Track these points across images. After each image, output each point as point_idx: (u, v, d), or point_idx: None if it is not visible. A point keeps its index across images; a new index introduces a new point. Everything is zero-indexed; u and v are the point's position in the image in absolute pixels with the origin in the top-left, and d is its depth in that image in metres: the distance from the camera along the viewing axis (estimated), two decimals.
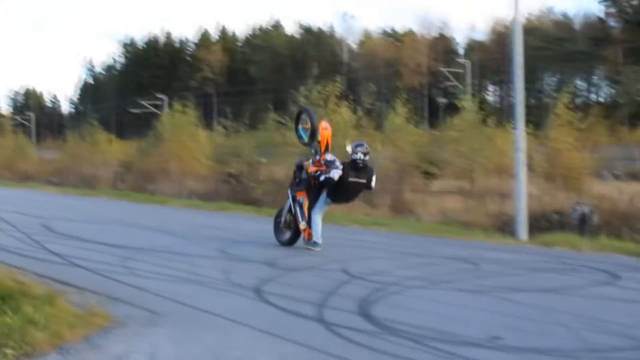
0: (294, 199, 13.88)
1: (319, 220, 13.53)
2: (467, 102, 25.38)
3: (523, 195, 16.12)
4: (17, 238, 15.22)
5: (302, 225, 13.63)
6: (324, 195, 13.50)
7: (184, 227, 17.84)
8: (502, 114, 67.18)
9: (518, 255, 13.22)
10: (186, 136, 32.75)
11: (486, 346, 7.09)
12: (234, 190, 26.46)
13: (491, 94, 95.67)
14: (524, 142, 16.47)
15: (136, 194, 30.11)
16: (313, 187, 13.61)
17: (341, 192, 13.39)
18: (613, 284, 10.27)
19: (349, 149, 13.34)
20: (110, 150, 44.23)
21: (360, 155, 13.16)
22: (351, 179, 13.13)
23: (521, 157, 16.12)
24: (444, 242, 15.08)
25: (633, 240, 15.23)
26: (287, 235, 14.16)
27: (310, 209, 13.55)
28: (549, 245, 14.52)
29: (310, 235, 13.48)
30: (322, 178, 13.22)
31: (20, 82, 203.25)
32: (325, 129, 13.95)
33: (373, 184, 13.57)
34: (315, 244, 13.39)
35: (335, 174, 12.99)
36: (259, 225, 18.50)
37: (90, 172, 38.25)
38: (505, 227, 17.53)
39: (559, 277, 10.91)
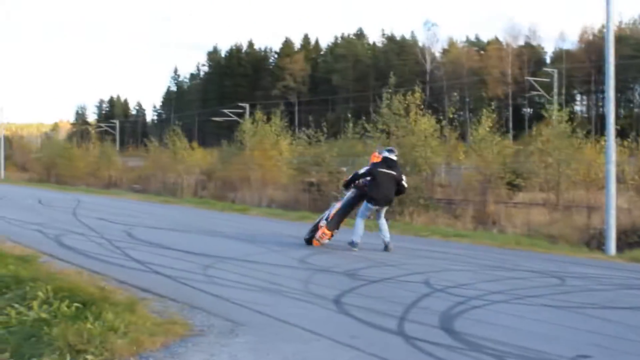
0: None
1: (361, 224, 15.40)
2: (554, 112, 24.95)
3: (613, 208, 15.71)
4: (100, 244, 15.52)
5: (322, 223, 15.60)
6: (364, 202, 15.40)
7: (264, 236, 17.93)
8: (590, 124, 66.24)
9: (606, 271, 12.85)
10: (268, 145, 33.02)
11: None
12: (314, 200, 26.45)
13: (579, 104, 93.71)
14: (614, 154, 16.06)
15: (217, 202, 30.36)
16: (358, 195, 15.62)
17: (375, 187, 15.03)
18: None
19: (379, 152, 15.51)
20: (192, 158, 44.53)
21: (392, 155, 15.19)
22: (381, 169, 14.96)
23: (612, 170, 15.72)
24: (528, 256, 14.80)
25: None
26: None
27: (341, 214, 15.77)
28: (639, 261, 14.12)
29: (323, 234, 15.53)
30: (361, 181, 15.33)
31: (109, 92, 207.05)
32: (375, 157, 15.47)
33: (404, 182, 15.48)
34: (352, 243, 15.12)
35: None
36: (339, 235, 18.47)
37: (173, 179, 38.74)
38: (592, 241, 17.18)
39: None
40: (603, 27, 15.36)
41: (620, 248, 15.88)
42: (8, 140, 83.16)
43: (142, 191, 39.67)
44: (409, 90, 25.62)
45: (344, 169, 26.76)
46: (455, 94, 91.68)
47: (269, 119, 34.60)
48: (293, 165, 30.05)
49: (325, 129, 27.41)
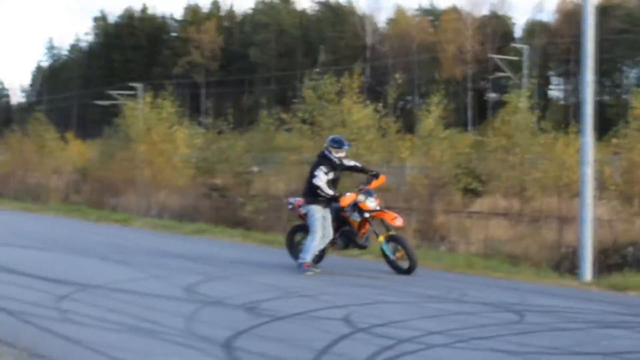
0: None
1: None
2: (520, 98, 24.62)
3: (589, 222, 15.38)
4: None
5: None
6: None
7: (146, 257, 17.33)
8: (568, 113, 66.71)
9: (578, 303, 12.55)
10: (158, 137, 31.59)
11: None
12: (217, 208, 25.83)
13: (555, 89, 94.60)
14: (592, 153, 15.72)
15: (92, 210, 29.53)
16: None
17: None
18: None
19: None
20: (66, 153, 43.22)
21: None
22: None
23: (588, 173, 15.41)
24: (481, 282, 14.43)
25: None
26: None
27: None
28: (621, 289, 13.81)
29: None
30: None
31: None
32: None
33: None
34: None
35: None
36: (244, 254, 17.96)
37: (37, 180, 37.62)
38: (564, 262, 16.91)
39: (633, 335, 10.16)
40: None
41: (598, 272, 15.61)
42: None
43: None
44: (345, 70, 25.17)
45: (255, 168, 26.22)
46: (402, 74, 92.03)
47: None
48: (191, 163, 29.26)
49: (231, 117, 26.62)
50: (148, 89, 38.78)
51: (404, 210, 22.91)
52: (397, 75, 32.56)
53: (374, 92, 55.23)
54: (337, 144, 14.94)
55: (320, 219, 14.64)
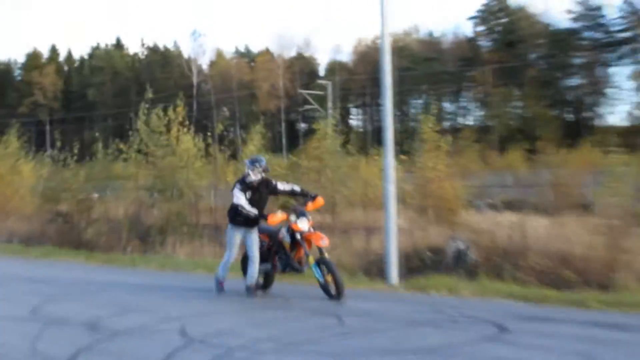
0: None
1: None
2: (328, 126, 24.44)
3: (393, 232, 15.22)
4: None
5: None
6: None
7: None
8: (366, 139, 67.48)
9: (389, 304, 12.21)
10: (3, 169, 30.85)
11: None
12: (62, 232, 24.66)
13: (354, 118, 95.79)
14: (393, 173, 15.58)
15: None
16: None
17: None
18: (501, 339, 9.36)
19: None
20: None
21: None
22: None
23: (391, 190, 15.23)
24: (303, 290, 13.71)
25: (515, 280, 14.48)
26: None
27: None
28: (424, 290, 13.61)
29: None
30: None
31: None
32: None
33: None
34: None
35: None
36: (87, 274, 17.00)
37: None
38: (373, 268, 16.56)
39: (438, 332, 9.85)
40: (377, 37, 14.92)
41: (403, 275, 15.36)
42: None
43: None
44: (171, 105, 24.46)
45: (95, 195, 25.16)
46: (225, 108, 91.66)
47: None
48: (37, 192, 27.89)
49: (76, 150, 25.70)
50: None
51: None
52: (225, 109, 32.14)
53: (201, 125, 54.43)
54: (253, 162, 12.86)
55: (237, 241, 12.91)
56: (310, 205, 12.81)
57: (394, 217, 15.19)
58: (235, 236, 12.88)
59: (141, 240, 22.51)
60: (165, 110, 23.85)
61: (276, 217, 12.51)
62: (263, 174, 12.88)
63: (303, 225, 12.31)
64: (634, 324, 10.25)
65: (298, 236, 12.36)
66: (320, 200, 13.07)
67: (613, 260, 14.91)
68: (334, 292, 12.15)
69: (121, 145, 25.20)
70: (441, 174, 23.81)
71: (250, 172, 12.80)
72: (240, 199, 12.49)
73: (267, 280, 13.31)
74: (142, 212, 23.87)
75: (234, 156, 28.60)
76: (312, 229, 12.61)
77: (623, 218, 16.23)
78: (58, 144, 27.60)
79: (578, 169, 35.89)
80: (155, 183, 23.75)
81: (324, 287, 12.47)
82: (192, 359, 8.47)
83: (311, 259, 12.35)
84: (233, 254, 13.02)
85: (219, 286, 13.34)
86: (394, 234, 15.18)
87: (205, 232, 22.32)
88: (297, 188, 13.33)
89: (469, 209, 25.28)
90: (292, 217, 12.45)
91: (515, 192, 33.70)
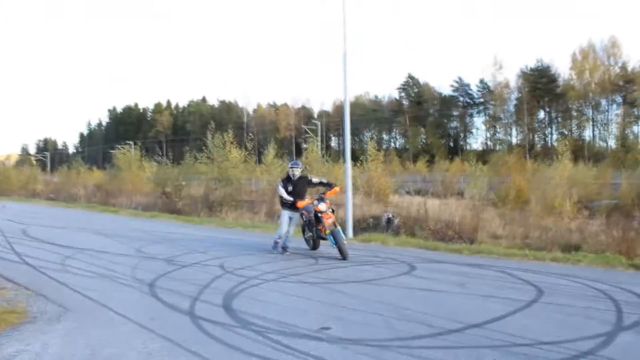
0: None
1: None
2: (314, 147, 23.96)
3: (350, 205, 14.47)
4: None
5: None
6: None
7: (122, 231, 15.25)
8: (339, 154, 66.65)
9: (348, 251, 11.42)
10: (135, 167, 30.30)
11: (317, 337, 5.24)
12: (164, 203, 23.80)
13: (334, 142, 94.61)
14: (350, 171, 14.87)
15: (101, 206, 26.96)
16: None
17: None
18: (411, 273, 8.59)
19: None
20: (91, 176, 40.68)
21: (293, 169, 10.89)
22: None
23: (349, 181, 14.49)
24: (293, 241, 12.94)
25: (422, 237, 13.77)
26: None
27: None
28: (367, 241, 12.85)
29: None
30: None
31: (44, 133, 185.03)
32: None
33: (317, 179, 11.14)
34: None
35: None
36: (175, 229, 16.21)
37: (75, 191, 34.44)
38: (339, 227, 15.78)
39: (374, 269, 9.05)
40: (343, 98, 14.22)
41: (356, 232, 14.58)
42: None
43: (54, 199, 35.09)
44: (227, 133, 23.68)
45: (183, 182, 24.31)
46: (251, 134, 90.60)
47: (145, 152, 31.80)
48: (151, 180, 27.05)
49: (171, 158, 25.25)
50: (136, 144, 36.92)
51: (261, 202, 21.45)
52: (251, 134, 31.31)
53: (241, 145, 53.10)
54: (294, 164, 10.96)
55: (286, 219, 10.74)
56: (328, 193, 10.69)
57: (351, 198, 14.41)
58: (284, 215, 10.82)
59: (208, 209, 21.70)
60: (222, 135, 23.16)
61: (303, 202, 10.57)
62: (300, 172, 10.91)
63: (322, 207, 10.33)
64: (488, 264, 9.46)
65: (319, 215, 10.34)
66: (336, 189, 10.85)
67: (476, 225, 14.31)
68: (340, 256, 9.94)
69: (198, 155, 24.71)
70: (379, 174, 23.42)
71: (289, 170, 10.94)
72: (281, 191, 10.74)
73: (314, 244, 11.15)
74: (209, 192, 23.03)
75: (260, 161, 28.02)
76: (329, 210, 10.40)
77: (480, 200, 15.79)
78: (170, 154, 26.64)
79: (455, 173, 35.43)
80: (217, 176, 22.91)
81: (339, 250, 10.03)
82: (225, 285, 7.64)
83: (327, 231, 10.13)
84: (283, 227, 10.73)
85: (274, 245, 10.92)
86: (351, 208, 14.40)
87: (245, 205, 21.55)
88: (324, 180, 11.22)
89: (395, 194, 24.69)
90: (315, 202, 10.45)
91: (421, 185, 32.84)
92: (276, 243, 10.89)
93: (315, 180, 11.06)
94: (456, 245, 12.10)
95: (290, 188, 10.75)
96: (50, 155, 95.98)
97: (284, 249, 10.72)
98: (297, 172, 10.84)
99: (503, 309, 6.15)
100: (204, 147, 24.84)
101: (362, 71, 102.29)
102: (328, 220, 10.18)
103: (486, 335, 5.20)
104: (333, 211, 10.62)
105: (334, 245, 10.07)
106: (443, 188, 29.37)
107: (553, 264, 9.56)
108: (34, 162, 67.04)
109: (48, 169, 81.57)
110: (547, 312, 6.08)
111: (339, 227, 10.20)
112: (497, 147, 70.41)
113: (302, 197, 10.72)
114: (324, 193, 10.69)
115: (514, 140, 72.36)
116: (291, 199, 10.61)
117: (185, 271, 8.78)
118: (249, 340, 5.16)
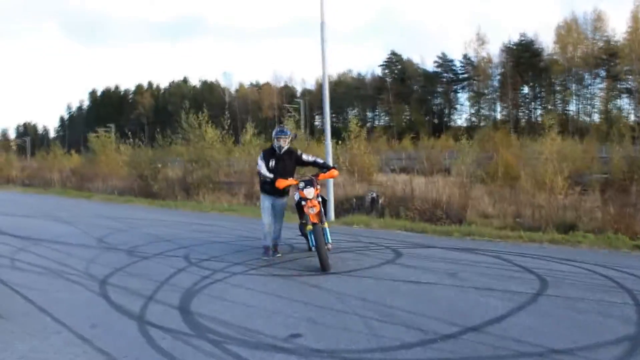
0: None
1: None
2: (293, 124, 22.97)
3: (332, 186, 13.54)
4: None
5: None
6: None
7: (88, 218, 14.11)
8: (321, 132, 65.65)
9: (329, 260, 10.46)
10: (110, 150, 29.22)
11: (284, 348, 4.30)
12: (140, 187, 22.65)
13: (317, 121, 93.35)
14: (331, 150, 13.92)
15: (74, 191, 25.77)
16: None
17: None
18: (396, 262, 7.66)
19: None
20: (69, 161, 39.19)
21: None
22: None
23: (330, 159, 13.51)
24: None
25: (406, 217, 12.88)
26: None
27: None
28: (350, 224, 11.95)
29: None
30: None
31: (24, 117, 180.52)
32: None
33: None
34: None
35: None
36: (146, 214, 15.17)
37: (49, 176, 33.07)
38: None
39: (355, 257, 8.08)
40: (325, 75, 13.18)
41: (338, 214, 13.66)
42: None
43: (28, 185, 33.72)
44: (202, 113, 22.49)
45: (159, 165, 23.06)
46: (243, 115, 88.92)
47: (122, 136, 30.30)
48: (127, 163, 25.76)
49: (152, 140, 24.14)
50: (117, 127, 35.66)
51: (239, 183, 20.45)
52: (244, 116, 29.96)
53: (222, 124, 51.85)
54: (279, 132, 7.82)
55: (266, 207, 8.00)
56: (322, 175, 7.83)
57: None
58: (263, 201, 8.07)
59: (185, 192, 20.63)
60: (197, 115, 22.04)
61: (284, 182, 7.63)
62: (288, 144, 7.89)
63: (308, 192, 7.38)
64: (481, 248, 8.59)
65: (303, 202, 7.49)
66: (334, 172, 7.97)
67: (465, 204, 13.43)
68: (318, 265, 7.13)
69: (173, 136, 23.71)
70: (362, 151, 22.57)
71: (275, 139, 7.87)
72: (260, 165, 7.82)
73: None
74: (186, 175, 21.91)
75: (237, 141, 26.90)
76: (317, 199, 7.50)
77: (468, 177, 15.08)
78: (155, 136, 24.93)
79: (441, 149, 34.64)
80: (193, 157, 21.76)
81: (318, 255, 7.18)
82: (186, 280, 6.70)
83: (309, 227, 7.33)
84: (264, 219, 8.03)
85: (264, 250, 8.14)
86: (332, 187, 13.46)
87: (224, 187, 20.52)
88: (319, 160, 8.06)
89: (379, 172, 23.86)
90: (301, 184, 7.55)
91: (406, 162, 31.95)
92: (265, 248, 8.12)
93: (308, 158, 8.01)
94: (445, 227, 11.23)
95: (272, 164, 7.84)
96: (30, 140, 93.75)
97: (267, 249, 8.09)
98: (284, 144, 7.84)
99: (504, 306, 5.26)
100: (179, 128, 23.66)
101: (345, 48, 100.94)
102: (310, 210, 7.32)
103: (487, 342, 4.30)
104: (324, 201, 7.97)
105: (313, 247, 7.44)
106: (428, 165, 28.52)
107: (551, 246, 8.72)
108: (13, 147, 65.51)
109: (28, 154, 79.61)
110: (555, 308, 5.20)
111: (326, 225, 7.38)
112: (482, 123, 69.79)
113: (286, 177, 7.80)
114: (316, 175, 7.82)
115: (499, 116, 71.82)
116: (271, 175, 7.77)
117: (145, 264, 7.79)
118: (201, 354, 4.23)
